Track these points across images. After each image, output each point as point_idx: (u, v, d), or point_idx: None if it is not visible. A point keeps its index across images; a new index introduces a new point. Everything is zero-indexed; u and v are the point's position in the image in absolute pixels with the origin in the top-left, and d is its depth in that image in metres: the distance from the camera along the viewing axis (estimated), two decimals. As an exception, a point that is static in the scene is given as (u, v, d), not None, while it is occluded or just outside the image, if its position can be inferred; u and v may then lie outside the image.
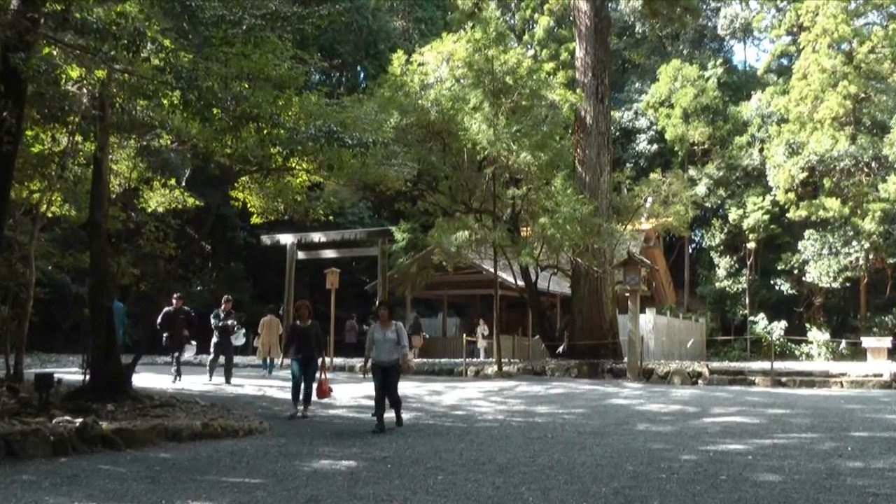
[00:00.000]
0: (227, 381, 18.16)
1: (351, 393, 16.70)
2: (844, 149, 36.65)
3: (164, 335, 18.06)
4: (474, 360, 27.86)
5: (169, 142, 15.61)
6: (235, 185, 17.58)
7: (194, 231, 31.90)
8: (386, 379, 11.49)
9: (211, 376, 18.74)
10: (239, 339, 21.16)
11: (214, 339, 18.85)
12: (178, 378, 18.02)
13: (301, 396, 13.07)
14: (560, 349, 25.40)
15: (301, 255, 29.85)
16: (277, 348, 21.37)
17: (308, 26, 11.72)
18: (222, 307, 18.97)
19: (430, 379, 21.51)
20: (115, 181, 16.10)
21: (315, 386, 13.21)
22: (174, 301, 18.23)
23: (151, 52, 10.17)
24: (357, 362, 25.70)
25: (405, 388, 18.07)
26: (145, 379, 17.13)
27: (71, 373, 17.47)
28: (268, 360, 21.61)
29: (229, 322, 18.77)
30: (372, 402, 15.01)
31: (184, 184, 18.38)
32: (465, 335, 28.55)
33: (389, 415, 11.75)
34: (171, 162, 17.59)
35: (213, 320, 18.87)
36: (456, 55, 24.38)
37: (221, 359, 18.70)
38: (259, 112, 11.62)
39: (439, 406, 15.04)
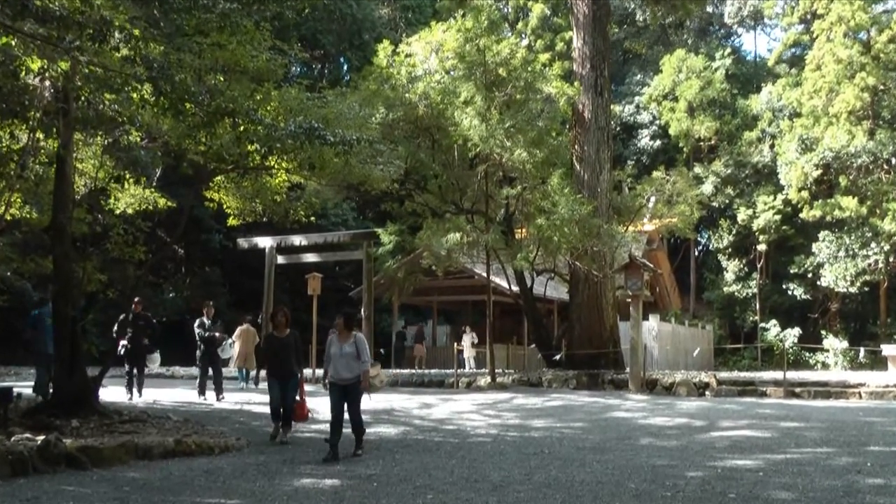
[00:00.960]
0: (219, 398, 17.61)
1: (334, 407, 16.66)
2: (862, 144, 36.70)
3: (121, 344, 17.37)
4: (465, 370, 27.83)
5: (138, 139, 15.57)
6: (210, 185, 17.53)
7: (166, 234, 31.72)
8: (345, 399, 10.67)
9: (203, 392, 18.05)
10: (226, 352, 20.14)
11: (199, 352, 18.21)
12: (134, 393, 17.37)
13: (283, 416, 12.13)
14: (557, 357, 25.40)
15: (281, 259, 29.77)
16: (253, 359, 21.33)
17: (287, 11, 11.73)
18: (205, 314, 18.28)
19: (419, 391, 21.49)
20: (80, 181, 16.03)
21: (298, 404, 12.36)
22: (134, 305, 17.63)
23: (119, 41, 10.13)
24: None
25: (392, 400, 18.09)
26: (113, 393, 17.06)
27: (32, 386, 17.39)
28: (243, 372, 21.55)
29: (216, 334, 18.24)
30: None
31: (154, 184, 18.31)
32: (455, 344, 28.57)
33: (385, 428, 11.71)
34: (140, 160, 17.56)
35: (197, 330, 18.12)
36: (446, 45, 24.38)
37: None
38: (235, 107, 11.60)
39: (429, 420, 15.02)
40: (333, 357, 10.70)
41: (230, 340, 20.74)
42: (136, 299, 17.88)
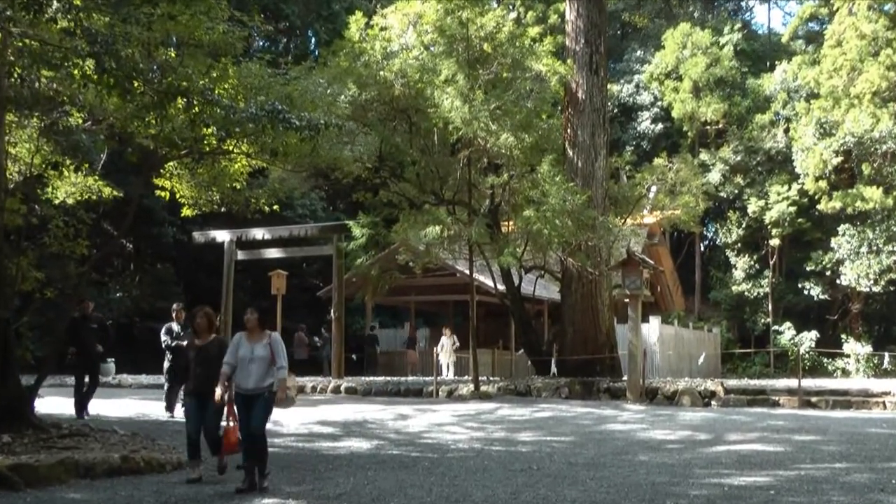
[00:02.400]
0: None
1: (301, 418, 16.62)
2: (887, 128, 36.84)
3: (70, 350, 16.72)
4: (445, 378, 27.82)
5: (80, 120, 15.45)
6: (161, 172, 17.42)
7: (112, 227, 31.63)
8: (249, 413, 9.66)
9: (171, 409, 16.89)
10: None
11: (167, 362, 17.14)
12: (83, 412, 16.48)
13: (209, 446, 10.41)
14: (553, 370, 25.42)
15: (241, 254, 29.69)
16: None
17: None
18: (174, 319, 17.21)
19: (394, 401, 21.48)
20: (13, 167, 15.88)
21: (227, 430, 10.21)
22: (86, 307, 17.08)
23: (57, 11, 10.06)
24: (310, 381, 25.70)
25: (364, 411, 18.08)
26: (52, 404, 16.93)
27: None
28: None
29: (180, 342, 16.69)
30: (324, 429, 14.96)
31: (99, 171, 18.16)
32: (435, 349, 28.55)
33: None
34: (82, 145, 17.37)
35: (164, 337, 17.03)
36: (425, 18, 24.34)
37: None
38: (189, 85, 11.55)
39: (405, 433, 15.02)
40: (241, 361, 9.71)
41: None
42: (83, 300, 17.59)
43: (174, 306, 17.70)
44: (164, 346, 17.12)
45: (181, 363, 15.57)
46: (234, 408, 9.88)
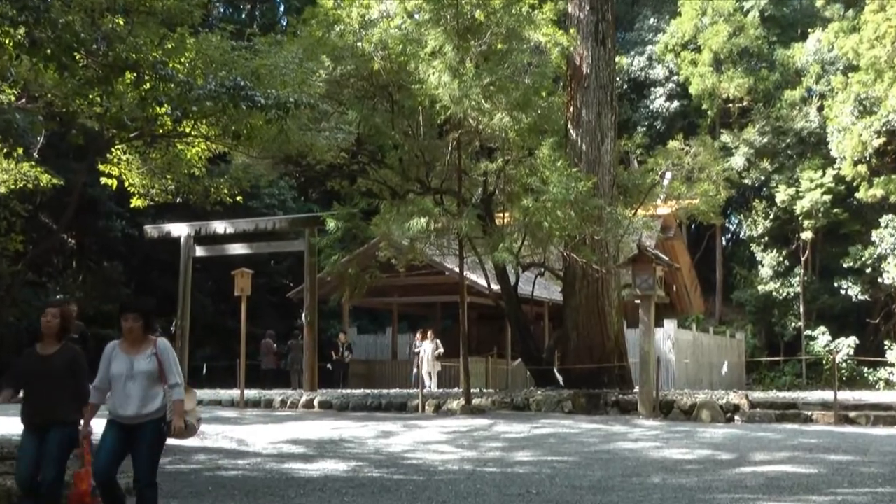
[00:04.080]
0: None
1: (269, 436, 16.66)
2: (936, 106, 36.96)
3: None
4: (429, 391, 27.83)
5: (13, 97, 15.43)
6: (108, 157, 17.42)
7: (51, 219, 31.57)
8: (132, 448, 8.18)
9: None
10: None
11: None
12: None
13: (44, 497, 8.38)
14: (559, 380, 25.44)
15: (200, 251, 29.65)
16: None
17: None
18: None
19: (374, 416, 21.51)
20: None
21: (83, 474, 8.62)
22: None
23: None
24: (278, 395, 25.73)
25: (342, 427, 18.12)
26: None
27: None
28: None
29: None
30: (295, 448, 14.99)
31: (35, 155, 18.16)
32: (416, 358, 28.53)
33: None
34: (15, 125, 17.33)
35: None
36: (408, -19, 24.37)
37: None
38: (139, 58, 11.53)
39: (387, 452, 15.06)
40: (115, 379, 8.12)
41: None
42: (67, 302, 17.24)
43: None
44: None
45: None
46: (89, 446, 8.53)
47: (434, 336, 31.24)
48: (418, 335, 32.51)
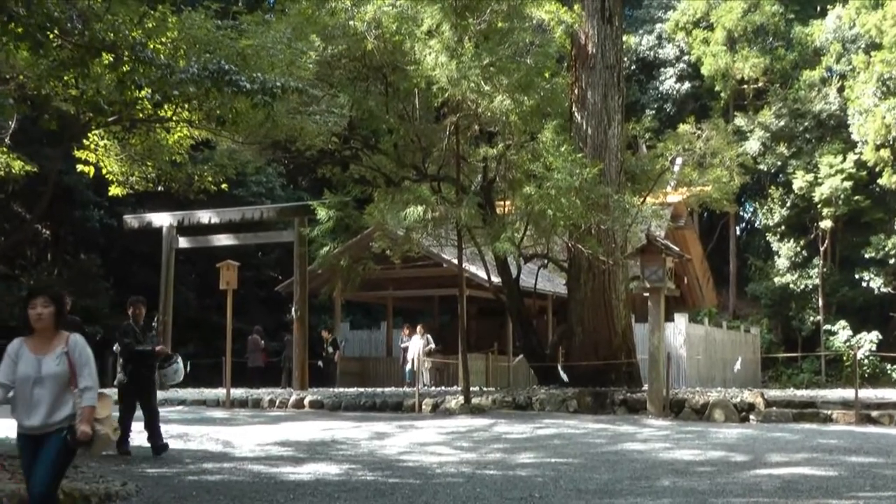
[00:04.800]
0: (157, 451, 14.61)
1: (257, 438, 16.67)
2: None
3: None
4: (426, 388, 27.84)
5: (-17, 80, 15.44)
6: (85, 143, 17.40)
7: (24, 209, 31.58)
8: (37, 465, 7.53)
9: (124, 443, 14.59)
10: (177, 376, 16.15)
11: (122, 375, 15.11)
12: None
13: None
14: (564, 378, 25.43)
15: (183, 242, 29.68)
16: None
17: None
18: (131, 316, 15.14)
19: (368, 416, 21.53)
20: None
21: None
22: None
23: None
24: (267, 394, 25.76)
25: (333, 428, 18.13)
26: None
27: None
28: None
29: (150, 347, 15.10)
30: (285, 451, 15.01)
31: (7, 141, 18.15)
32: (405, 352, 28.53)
33: None
34: (-14, 110, 17.40)
35: (126, 340, 14.99)
36: (403, -46, 24.34)
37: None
38: (117, 38, 11.51)
39: (382, 454, 15.07)
40: (22, 384, 7.48)
41: (176, 362, 16.22)
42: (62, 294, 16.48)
43: (133, 300, 15.58)
44: (119, 352, 15.62)
45: (144, 374, 14.85)
46: None
47: (424, 331, 31.23)
48: (405, 330, 32.53)
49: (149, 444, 14.70)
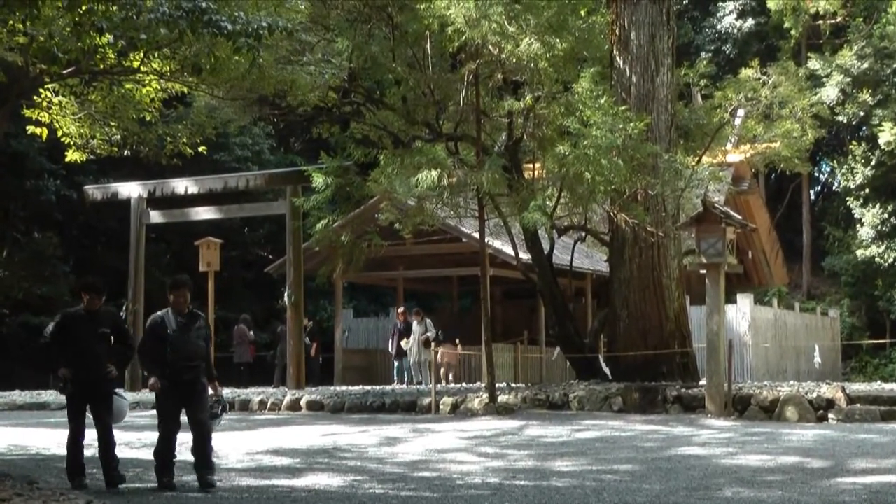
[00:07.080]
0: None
1: (246, 445, 16.75)
2: None
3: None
4: (445, 386, 27.91)
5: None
6: (36, 101, 17.46)
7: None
8: None
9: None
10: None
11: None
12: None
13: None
14: (606, 371, 25.46)
15: (156, 216, 29.72)
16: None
17: None
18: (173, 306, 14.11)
19: (376, 419, 21.61)
20: None
21: None
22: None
23: None
24: (257, 394, 25.81)
25: (336, 433, 18.19)
26: None
27: None
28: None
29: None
30: (279, 460, 15.08)
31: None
32: (434, 346, 28.53)
33: None
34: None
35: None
36: None
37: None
38: (73, -28, 11.53)
39: (393, 463, 15.14)
40: None
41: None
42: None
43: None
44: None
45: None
46: None
47: (423, 316, 31.09)
48: (399, 314, 32.39)
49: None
